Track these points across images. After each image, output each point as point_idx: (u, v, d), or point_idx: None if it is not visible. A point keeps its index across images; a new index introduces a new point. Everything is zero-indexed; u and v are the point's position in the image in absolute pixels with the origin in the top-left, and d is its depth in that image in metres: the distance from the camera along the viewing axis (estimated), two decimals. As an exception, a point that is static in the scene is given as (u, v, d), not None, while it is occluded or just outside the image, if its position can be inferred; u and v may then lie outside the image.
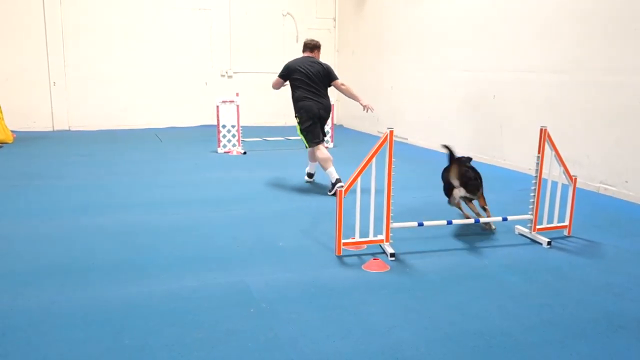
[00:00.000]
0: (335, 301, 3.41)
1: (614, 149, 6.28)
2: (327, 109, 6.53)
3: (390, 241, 4.30)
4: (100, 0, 11.81)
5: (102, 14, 11.86)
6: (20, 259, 4.09)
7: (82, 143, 10.12)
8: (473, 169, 5.01)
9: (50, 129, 11.84)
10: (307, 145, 6.58)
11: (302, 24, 13.33)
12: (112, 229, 4.85)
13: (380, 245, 4.36)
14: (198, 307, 3.30)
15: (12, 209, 5.50)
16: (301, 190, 6.51)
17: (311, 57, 6.70)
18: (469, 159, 5.13)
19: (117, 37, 12.02)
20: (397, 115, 10.86)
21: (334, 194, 5.99)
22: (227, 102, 9.19)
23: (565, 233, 4.80)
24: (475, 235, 4.78)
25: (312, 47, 6.75)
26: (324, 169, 6.33)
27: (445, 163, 5.18)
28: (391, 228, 4.28)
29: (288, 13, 13.18)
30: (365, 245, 4.36)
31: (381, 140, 4.11)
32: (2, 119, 10.09)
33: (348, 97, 6.64)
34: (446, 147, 5.26)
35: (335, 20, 13.63)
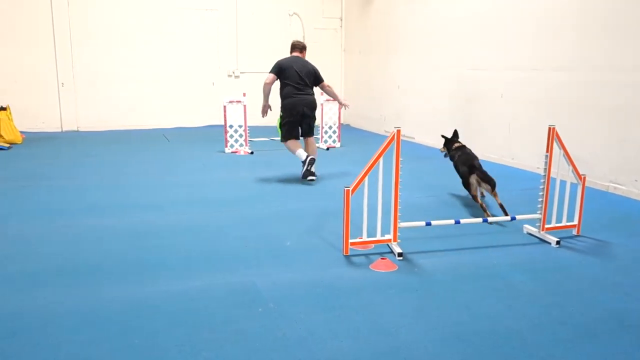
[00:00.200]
0: (343, 301, 3.41)
1: (624, 148, 6.24)
2: (311, 105, 6.99)
3: (398, 241, 4.29)
4: (107, 1, 11.86)
5: (109, 15, 11.90)
6: (30, 259, 4.12)
7: (91, 144, 10.16)
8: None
9: (59, 130, 11.90)
10: (281, 138, 7.14)
11: (308, 23, 13.32)
12: (120, 229, 4.86)
13: (388, 245, 4.35)
14: (206, 307, 3.31)
15: (22, 210, 5.53)
16: (308, 189, 6.51)
17: (300, 57, 7.15)
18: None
19: (125, 38, 12.06)
20: (404, 114, 10.84)
21: (308, 170, 6.81)
22: (234, 102, 9.20)
23: (574, 232, 4.77)
24: (484, 234, 4.76)
25: (301, 48, 7.23)
26: (292, 152, 7.01)
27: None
28: (399, 227, 4.27)
29: (295, 13, 13.18)
30: (372, 245, 4.35)
31: (388, 140, 4.10)
32: (12, 120, 10.15)
33: (330, 96, 7.41)
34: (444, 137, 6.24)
35: (341, 19, 13.63)
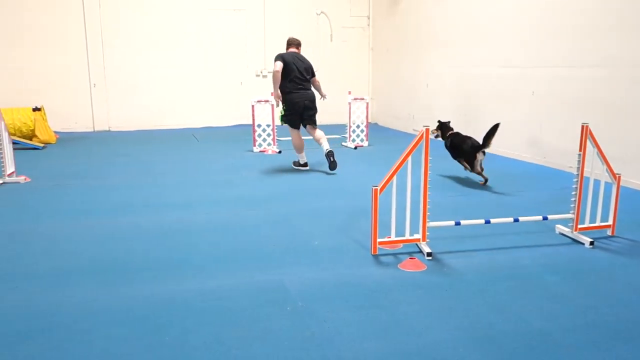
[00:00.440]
0: (372, 300, 3.40)
1: (660, 146, 6.08)
2: (312, 99, 7.48)
3: (427, 240, 4.25)
4: (138, 3, 12.04)
5: (140, 17, 12.08)
6: (64, 257, 4.20)
7: (122, 143, 10.33)
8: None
9: (91, 130, 12.13)
10: (281, 120, 7.73)
11: (336, 22, 13.31)
12: (150, 227, 4.93)
13: (417, 245, 4.32)
14: (235, 305, 3.33)
15: (56, 208, 5.65)
16: (336, 188, 6.50)
17: (298, 53, 7.53)
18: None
19: (155, 39, 12.22)
20: (433, 112, 10.74)
21: (297, 167, 7.66)
22: (262, 101, 9.24)
23: (609, 233, 4.66)
24: (515, 234, 4.69)
25: (297, 44, 7.62)
26: (297, 150, 7.62)
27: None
28: (428, 227, 4.23)
29: (322, 12, 13.18)
30: (401, 244, 4.33)
31: (417, 138, 4.07)
32: (46, 120, 10.38)
33: (316, 89, 7.73)
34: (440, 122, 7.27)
35: (369, 18, 13.57)
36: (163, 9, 12.19)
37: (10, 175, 6.82)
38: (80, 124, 12.07)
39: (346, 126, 9.98)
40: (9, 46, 11.41)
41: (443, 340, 2.90)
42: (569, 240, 4.56)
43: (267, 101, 9.22)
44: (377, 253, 4.20)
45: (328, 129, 9.80)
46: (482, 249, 4.39)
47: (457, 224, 4.42)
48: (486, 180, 6.54)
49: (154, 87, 12.33)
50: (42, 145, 9.77)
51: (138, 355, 2.77)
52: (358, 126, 9.81)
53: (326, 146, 7.43)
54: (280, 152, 9.10)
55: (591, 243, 4.39)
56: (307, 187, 6.57)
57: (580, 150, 4.40)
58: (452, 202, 5.82)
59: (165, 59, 12.31)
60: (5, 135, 6.75)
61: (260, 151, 9.16)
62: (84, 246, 4.43)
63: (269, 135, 9.25)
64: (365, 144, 9.77)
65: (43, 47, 11.60)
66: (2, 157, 6.66)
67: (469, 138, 6.83)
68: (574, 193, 4.50)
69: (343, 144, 9.89)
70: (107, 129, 12.23)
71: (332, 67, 13.33)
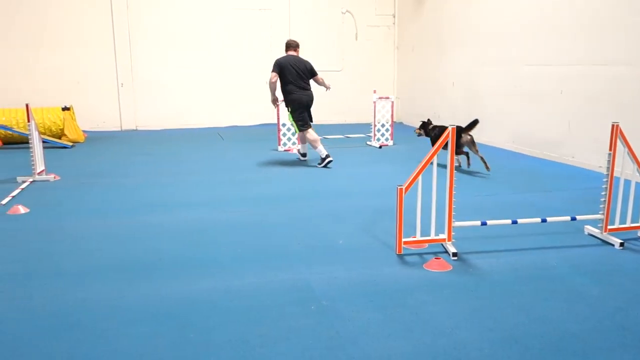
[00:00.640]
0: (396, 300, 3.38)
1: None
2: (312, 99, 7.86)
3: (453, 240, 4.22)
4: (164, 3, 12.17)
5: (166, 17, 12.21)
6: (89, 255, 4.26)
7: (148, 142, 10.46)
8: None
9: (119, 129, 12.30)
10: (297, 130, 7.93)
11: (361, 21, 13.28)
12: (175, 226, 4.97)
13: (442, 244, 4.29)
14: (260, 303, 3.34)
15: (82, 207, 5.74)
16: (361, 188, 6.49)
17: (296, 55, 7.84)
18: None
19: (181, 39, 12.34)
20: (458, 111, 10.65)
21: (325, 166, 7.62)
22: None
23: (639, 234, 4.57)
24: (542, 235, 4.62)
25: (295, 46, 7.93)
26: (314, 148, 7.74)
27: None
28: (453, 227, 4.19)
29: (347, 11, 13.17)
30: (426, 244, 4.30)
31: (443, 138, 4.03)
32: (75, 119, 10.56)
33: (321, 85, 8.01)
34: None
35: (394, 16, 13.51)
36: (189, 9, 12.31)
37: (40, 173, 6.95)
38: (108, 123, 12.26)
39: (371, 125, 9.94)
40: (39, 48, 11.65)
41: (469, 341, 2.87)
42: (598, 242, 4.48)
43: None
44: (402, 253, 4.18)
45: (353, 128, 9.81)
46: (509, 249, 4.34)
47: (484, 224, 4.37)
48: (482, 159, 7.07)
49: (180, 87, 12.47)
50: (70, 144, 9.95)
51: (162, 352, 2.80)
52: (383, 125, 9.77)
53: (304, 150, 8.23)
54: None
55: (621, 244, 4.30)
56: (332, 187, 6.57)
57: (610, 149, 4.31)
58: (478, 202, 5.76)
59: (191, 58, 12.43)
60: (35, 134, 6.88)
61: (285, 150, 9.18)
62: (109, 244, 4.50)
63: (293, 134, 9.26)
64: (390, 143, 9.73)
65: (72, 49, 11.81)
66: (32, 156, 6.79)
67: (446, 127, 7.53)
68: (603, 193, 4.41)
69: (368, 143, 9.87)
70: (134, 128, 12.39)
71: (357, 66, 13.31)
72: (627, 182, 4.49)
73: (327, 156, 7.64)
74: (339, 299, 3.39)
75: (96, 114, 12.06)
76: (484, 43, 9.73)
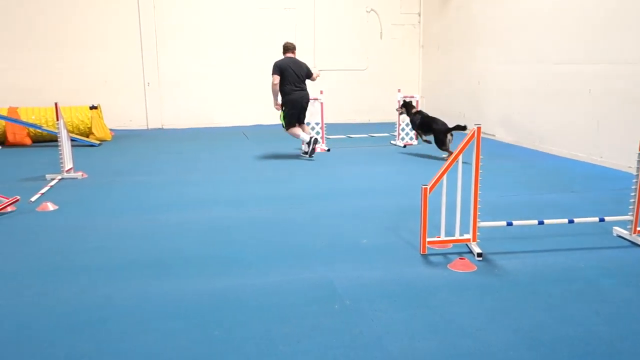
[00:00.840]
0: (420, 300, 3.36)
1: None
2: (308, 99, 8.40)
3: (478, 240, 4.17)
4: (190, 3, 12.29)
5: (192, 17, 12.33)
6: (115, 252, 4.32)
7: (174, 141, 10.57)
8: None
9: (145, 127, 12.46)
10: (284, 126, 8.45)
11: (386, 20, 13.23)
12: (199, 224, 5.01)
13: (467, 245, 4.25)
14: (283, 302, 3.35)
15: (110, 204, 5.83)
16: (385, 187, 6.46)
17: (293, 57, 8.32)
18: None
19: (206, 39, 12.45)
20: (484, 110, 10.55)
21: (313, 148, 8.26)
22: (311, 99, 9.26)
23: (670, 236, 4.47)
24: (569, 236, 4.54)
25: (293, 48, 8.39)
26: (296, 137, 8.41)
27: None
28: (478, 227, 4.15)
29: (372, 9, 13.12)
30: (451, 244, 4.26)
31: (468, 137, 3.99)
32: (102, 118, 10.72)
33: (311, 80, 8.51)
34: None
35: (420, 15, 13.42)
36: (215, 8, 12.40)
37: (68, 171, 7.07)
38: (134, 122, 12.43)
39: (395, 124, 9.90)
40: (68, 48, 11.87)
41: (494, 343, 2.84)
42: (627, 243, 4.39)
43: (316, 99, 9.24)
44: (426, 252, 4.15)
45: (377, 127, 9.77)
46: (535, 250, 4.28)
47: (509, 224, 4.32)
48: (450, 154, 7.61)
49: (206, 86, 12.58)
50: (98, 142, 10.10)
51: (187, 348, 2.83)
52: (407, 124, 9.71)
53: (310, 135, 8.48)
54: (329, 150, 9.11)
55: (651, 246, 4.21)
56: (356, 186, 6.56)
57: (640, 149, 4.22)
58: (504, 202, 5.69)
59: (216, 57, 12.52)
60: (64, 133, 7.00)
61: (404, 145, 9.18)
62: (135, 241, 4.55)
63: (317, 133, 9.27)
64: (415, 142, 9.67)
65: (100, 48, 12.00)
66: (61, 154, 6.92)
67: (437, 120, 8.22)
68: (633, 194, 4.32)
69: (392, 142, 9.82)
70: (160, 126, 12.54)
71: (382, 64, 13.26)
72: (658, 183, 4.39)
73: (312, 137, 8.27)
74: (362, 299, 3.38)
75: (123, 113, 12.24)
76: (511, 41, 9.61)
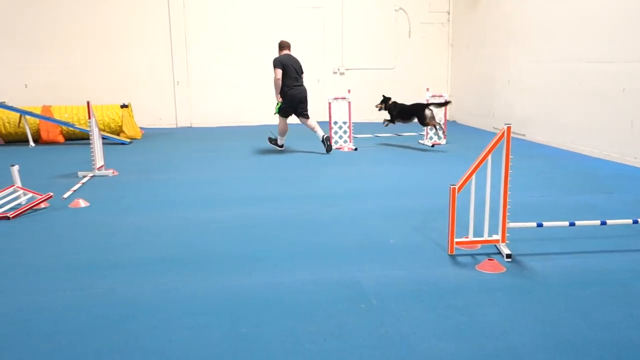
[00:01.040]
0: (448, 301, 3.33)
1: None
2: (306, 94, 8.86)
3: (507, 241, 4.12)
4: (220, 3, 12.40)
5: (221, 17, 12.44)
6: (145, 248, 4.39)
7: (202, 139, 10.68)
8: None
9: (174, 126, 12.62)
10: (276, 111, 8.85)
11: (414, 18, 13.14)
12: (228, 222, 5.05)
13: (496, 246, 4.19)
14: (310, 300, 3.36)
15: (140, 201, 5.92)
16: (412, 187, 6.42)
17: (290, 54, 8.72)
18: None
19: (235, 38, 12.54)
20: (514, 110, 10.40)
21: (273, 143, 9.19)
22: (338, 98, 9.26)
23: None
24: (602, 238, 4.45)
25: (289, 46, 8.80)
26: (282, 131, 8.98)
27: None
28: (508, 228, 4.09)
29: (400, 8, 13.05)
30: (479, 245, 4.21)
31: (497, 137, 3.94)
32: (132, 116, 10.89)
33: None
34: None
35: (449, 13, 13.30)
36: (243, 8, 12.49)
37: (99, 168, 7.20)
38: (164, 120, 12.60)
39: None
40: (100, 48, 12.10)
41: (522, 345, 2.80)
42: (663, 246, 4.28)
43: (344, 98, 9.24)
44: (454, 253, 4.11)
45: (405, 126, 9.70)
46: (566, 252, 4.20)
47: (539, 225, 4.25)
48: (443, 130, 9.06)
49: (234, 84, 12.68)
50: (128, 140, 10.26)
51: (214, 345, 2.85)
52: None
53: (321, 133, 8.83)
54: (356, 149, 9.09)
55: (687, 249, 4.11)
56: (384, 185, 6.53)
57: (676, 150, 4.11)
58: (534, 202, 5.60)
59: (244, 57, 12.61)
60: (95, 131, 7.12)
61: (337, 148, 9.18)
62: (165, 238, 4.61)
63: (345, 132, 9.26)
64: (443, 142, 9.58)
65: (131, 48, 12.21)
66: (92, 152, 7.04)
67: (414, 104, 9.03)
68: (668, 195, 4.22)
69: (420, 141, 9.75)
70: (189, 125, 12.68)
71: (410, 63, 13.18)
72: (695, 185, 4.28)
73: (282, 146, 9.12)
74: (389, 298, 3.37)
75: (153, 112, 12.42)
76: (542, 39, 9.45)
